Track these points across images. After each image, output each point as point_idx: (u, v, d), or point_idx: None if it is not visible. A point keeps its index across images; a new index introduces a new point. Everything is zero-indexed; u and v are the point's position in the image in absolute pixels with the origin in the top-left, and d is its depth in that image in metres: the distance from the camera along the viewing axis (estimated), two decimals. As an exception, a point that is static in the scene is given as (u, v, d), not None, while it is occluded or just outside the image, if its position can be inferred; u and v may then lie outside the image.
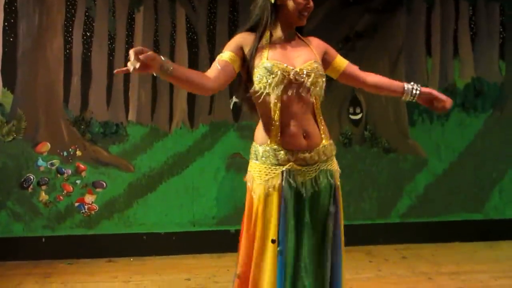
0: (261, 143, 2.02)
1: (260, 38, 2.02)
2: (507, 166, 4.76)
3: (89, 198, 4.23)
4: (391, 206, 4.59)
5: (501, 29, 4.75)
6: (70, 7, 4.17)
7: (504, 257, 4.16)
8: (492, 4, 4.71)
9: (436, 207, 4.65)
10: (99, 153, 4.24)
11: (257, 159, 2.03)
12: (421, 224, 4.59)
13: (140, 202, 4.30)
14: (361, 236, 4.39)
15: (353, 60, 4.26)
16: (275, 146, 1.97)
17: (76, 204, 4.22)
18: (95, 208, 4.24)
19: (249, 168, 2.10)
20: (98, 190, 4.25)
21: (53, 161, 4.18)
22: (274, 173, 1.97)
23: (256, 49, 2.00)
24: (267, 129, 2.00)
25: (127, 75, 4.31)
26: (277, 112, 1.96)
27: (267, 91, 1.95)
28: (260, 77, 1.95)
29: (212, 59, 4.36)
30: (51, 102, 4.18)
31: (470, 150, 4.70)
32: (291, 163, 1.97)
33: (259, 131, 2.05)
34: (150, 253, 4.24)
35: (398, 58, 4.57)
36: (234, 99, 4.45)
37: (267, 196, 1.96)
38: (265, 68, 1.95)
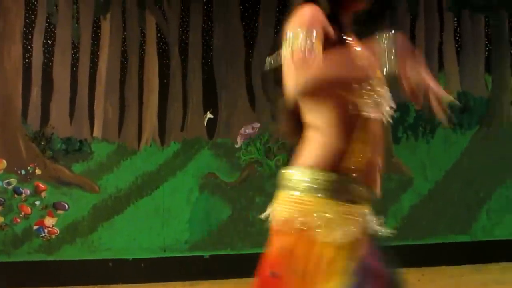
0: (331, 170, 1.46)
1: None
2: (495, 185, 4.75)
3: (49, 221, 4.09)
4: (375, 228, 4.55)
5: (487, 42, 4.77)
6: (30, 12, 4.04)
7: (492, 281, 4.13)
8: (477, 16, 4.74)
9: (422, 229, 4.63)
10: (61, 171, 4.11)
11: (318, 191, 1.46)
12: (406, 247, 4.56)
13: (106, 225, 4.15)
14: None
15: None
16: (356, 179, 1.48)
17: (35, 227, 4.06)
18: (55, 231, 4.08)
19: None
20: (59, 212, 4.10)
21: (10, 180, 4.03)
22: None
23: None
24: (337, 155, 1.46)
25: (91, 85, 4.23)
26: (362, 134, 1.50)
27: (358, 102, 1.47)
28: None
29: (184, 71, 4.42)
30: (8, 115, 4.02)
31: (457, 168, 4.71)
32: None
33: (321, 155, 1.47)
34: (116, 280, 4.06)
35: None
36: (209, 115, 4.43)
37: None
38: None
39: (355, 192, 1.45)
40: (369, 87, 1.46)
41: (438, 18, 4.68)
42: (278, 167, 4.33)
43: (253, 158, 4.24)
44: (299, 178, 1.44)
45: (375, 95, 1.47)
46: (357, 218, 1.45)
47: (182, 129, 4.26)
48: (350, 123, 1.45)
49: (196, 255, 4.16)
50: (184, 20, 4.14)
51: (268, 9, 4.21)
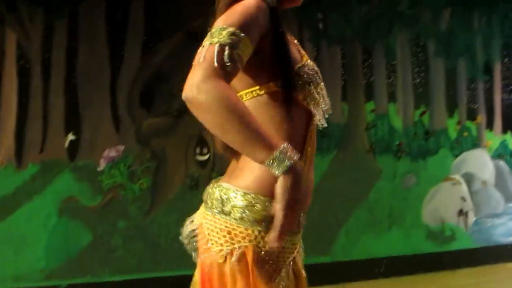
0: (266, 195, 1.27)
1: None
2: (352, 206, 5.00)
3: None
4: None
5: (343, 72, 5.05)
6: None
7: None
8: (334, 47, 5.02)
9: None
10: None
11: (260, 222, 1.28)
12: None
13: (-48, 255, 3.87)
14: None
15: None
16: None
17: None
18: None
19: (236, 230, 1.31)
20: None
21: None
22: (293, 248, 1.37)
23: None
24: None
25: None
26: (310, 146, 1.36)
27: (313, 109, 1.37)
28: (302, 83, 1.35)
29: (46, 91, 4.26)
30: None
31: (317, 191, 4.84)
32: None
33: (266, 176, 1.26)
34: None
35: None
36: (71, 136, 4.31)
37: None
38: (311, 70, 1.37)
39: (299, 219, 1.32)
40: (312, 88, 1.34)
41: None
42: (142, 191, 4.31)
43: (116, 181, 4.19)
44: (236, 204, 1.28)
45: (317, 98, 1.35)
46: (295, 251, 1.36)
47: (41, 151, 4.09)
48: (300, 130, 1.33)
49: (52, 285, 3.97)
50: (47, 38, 4.02)
51: (135, 30, 4.23)
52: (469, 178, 5.75)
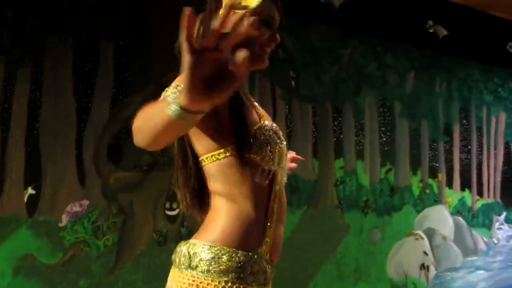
0: (242, 248, 1.19)
1: None
2: (321, 260, 4.51)
3: None
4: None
5: (314, 129, 4.63)
6: None
7: None
8: (305, 105, 4.59)
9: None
10: None
11: (227, 273, 1.16)
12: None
13: None
14: None
15: (172, 153, 3.70)
16: (266, 256, 1.24)
17: None
18: None
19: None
20: None
21: None
22: None
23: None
24: (252, 228, 1.22)
25: None
26: (276, 203, 1.26)
27: (274, 168, 1.24)
28: (260, 145, 1.22)
29: (5, 142, 3.38)
30: None
31: (288, 246, 4.29)
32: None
33: (231, 228, 1.21)
34: None
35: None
36: (30, 190, 3.59)
37: None
38: (268, 130, 1.26)
39: (266, 271, 1.22)
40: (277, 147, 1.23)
41: (271, 105, 4.42)
42: (107, 247, 3.58)
43: (79, 237, 3.45)
44: (202, 257, 1.17)
45: (276, 158, 1.24)
46: None
47: (-2, 205, 3.32)
48: (264, 189, 1.22)
49: None
50: (8, 87, 3.31)
51: (104, 82, 3.59)
52: (430, 233, 5.39)
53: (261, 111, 1.36)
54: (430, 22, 4.86)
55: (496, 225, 6.00)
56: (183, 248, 1.24)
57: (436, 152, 5.50)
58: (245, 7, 1.24)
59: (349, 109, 4.83)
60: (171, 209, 3.88)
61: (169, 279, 1.26)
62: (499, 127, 6.19)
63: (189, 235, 3.87)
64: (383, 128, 5.06)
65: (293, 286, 4.33)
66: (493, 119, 6.14)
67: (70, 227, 3.45)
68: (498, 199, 6.06)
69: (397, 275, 4.99)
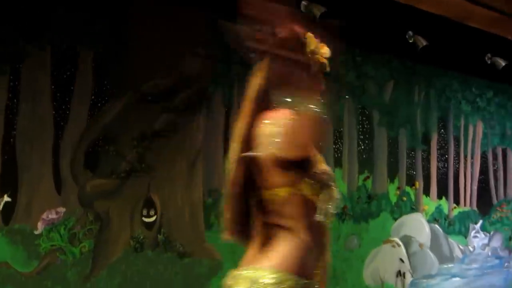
0: (302, 275, 1.31)
1: None
2: None
3: None
4: (184, 316, 4.03)
5: None
6: None
7: None
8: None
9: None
10: None
11: None
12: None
13: None
14: None
15: (149, 160, 3.79)
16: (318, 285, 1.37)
17: None
18: None
19: None
20: None
21: None
22: None
23: None
24: (310, 258, 1.35)
25: None
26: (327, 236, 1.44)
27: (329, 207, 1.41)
28: (320, 187, 1.40)
29: None
30: None
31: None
32: None
33: (293, 257, 1.32)
34: None
35: (196, 159, 4.20)
36: (6, 198, 3.63)
37: None
38: (326, 174, 1.42)
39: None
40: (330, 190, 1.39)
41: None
42: (83, 254, 3.65)
43: (55, 245, 3.52)
44: (265, 282, 1.25)
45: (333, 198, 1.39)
46: None
47: (-28, 213, 3.39)
48: (319, 224, 1.36)
49: None
50: (-15, 95, 3.37)
51: (83, 89, 3.66)
52: (407, 241, 5.50)
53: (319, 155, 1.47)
54: (410, 32, 5.00)
55: (472, 233, 6.15)
56: (242, 273, 1.33)
57: (414, 161, 5.63)
58: (322, 55, 1.49)
59: (329, 117, 4.92)
60: (148, 215, 3.96)
61: None
62: (476, 137, 6.35)
63: (165, 242, 3.97)
64: (361, 136, 5.18)
65: None
66: (471, 129, 6.29)
67: (45, 234, 3.51)
68: (474, 208, 6.21)
69: (373, 282, 5.09)
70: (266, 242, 1.37)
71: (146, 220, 3.94)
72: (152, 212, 3.96)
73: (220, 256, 4.21)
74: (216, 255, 4.20)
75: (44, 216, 3.49)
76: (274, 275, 1.27)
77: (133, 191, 3.86)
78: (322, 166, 1.43)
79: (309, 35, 1.47)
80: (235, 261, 4.76)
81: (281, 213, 1.36)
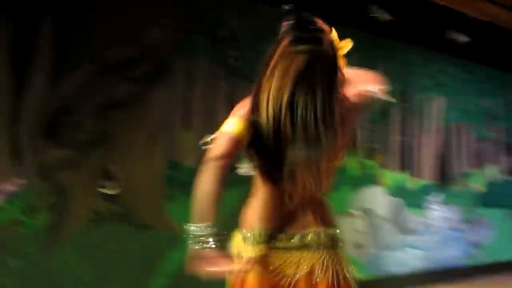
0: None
1: None
2: None
3: None
4: (144, 287, 4.09)
5: None
6: None
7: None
8: (248, 85, 4.66)
9: (192, 285, 4.30)
10: None
11: None
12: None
13: None
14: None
15: (110, 131, 3.78)
16: None
17: None
18: None
19: None
20: None
21: None
22: None
23: None
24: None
25: None
26: None
27: None
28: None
29: None
30: None
31: (226, 224, 4.51)
32: None
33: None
34: None
35: (157, 131, 4.21)
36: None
37: None
38: None
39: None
40: None
41: (212, 84, 4.50)
42: (41, 227, 3.65)
43: (11, 217, 3.52)
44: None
45: None
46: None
47: None
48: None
49: None
50: None
51: (43, 57, 3.61)
52: (367, 213, 5.65)
53: None
54: (373, 6, 5.07)
55: (431, 205, 6.37)
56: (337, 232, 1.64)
57: (375, 133, 5.72)
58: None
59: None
60: (108, 187, 3.96)
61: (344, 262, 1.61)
62: (437, 111, 6.53)
63: (125, 214, 3.99)
64: (323, 110, 5.25)
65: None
66: (431, 103, 6.47)
67: (3, 206, 3.49)
68: (434, 181, 6.43)
69: (332, 253, 5.25)
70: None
71: (106, 192, 3.95)
72: (112, 184, 3.97)
73: (180, 228, 4.26)
74: (176, 228, 4.26)
75: (1, 187, 3.48)
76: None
77: (93, 162, 3.86)
78: None
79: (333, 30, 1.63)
80: (195, 233, 4.78)
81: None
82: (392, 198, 5.87)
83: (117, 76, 4.01)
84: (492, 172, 7.28)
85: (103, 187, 3.94)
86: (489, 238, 7.09)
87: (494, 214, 7.19)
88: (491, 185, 7.23)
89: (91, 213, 3.86)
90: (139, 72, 4.13)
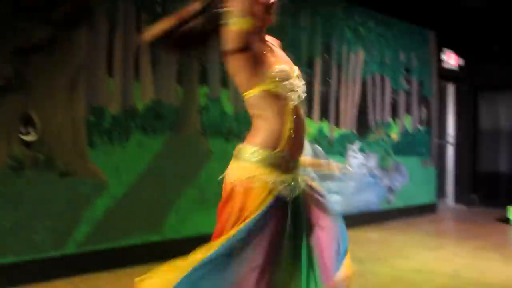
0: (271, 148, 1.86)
1: None
2: (183, 185, 4.79)
3: None
4: (67, 235, 4.06)
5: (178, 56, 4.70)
6: None
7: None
8: None
9: (116, 232, 4.37)
10: None
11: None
12: (100, 252, 4.24)
13: None
14: (34, 272, 3.83)
15: (27, 76, 3.69)
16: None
17: None
18: None
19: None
20: None
21: None
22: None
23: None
24: (279, 135, 1.86)
25: None
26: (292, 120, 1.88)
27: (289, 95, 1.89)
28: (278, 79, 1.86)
29: None
30: None
31: (150, 171, 4.57)
32: None
33: (266, 136, 1.85)
34: None
35: (78, 76, 4.14)
36: None
37: None
38: (283, 71, 1.88)
39: (286, 164, 1.84)
40: (289, 81, 1.87)
41: (136, 30, 4.46)
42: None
43: None
44: (248, 153, 1.82)
45: (294, 87, 1.89)
46: (286, 183, 1.83)
47: None
48: (284, 113, 1.84)
49: None
50: None
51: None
52: None
53: (278, 54, 1.99)
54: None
55: (350, 153, 6.71)
56: (239, 148, 1.86)
57: (298, 84, 5.90)
58: None
59: (215, 38, 4.97)
60: (27, 133, 3.88)
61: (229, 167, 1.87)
62: (357, 64, 6.81)
63: (46, 161, 3.95)
64: (247, 59, 5.32)
65: (156, 211, 4.61)
66: (352, 56, 6.73)
67: None
68: (353, 130, 6.77)
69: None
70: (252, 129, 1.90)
71: (25, 138, 3.86)
72: (31, 130, 3.89)
73: (105, 175, 4.29)
74: (100, 175, 4.27)
75: None
76: (253, 149, 1.82)
77: (10, 108, 3.76)
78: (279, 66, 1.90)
79: None
80: (120, 180, 4.95)
81: (255, 108, 1.86)
82: (313, 146, 6.10)
83: (35, 18, 3.88)
84: (407, 122, 7.75)
85: (22, 133, 3.85)
86: (403, 184, 7.61)
87: (408, 162, 7.70)
88: (406, 134, 7.71)
89: (10, 160, 3.78)
90: (57, 15, 4.01)
